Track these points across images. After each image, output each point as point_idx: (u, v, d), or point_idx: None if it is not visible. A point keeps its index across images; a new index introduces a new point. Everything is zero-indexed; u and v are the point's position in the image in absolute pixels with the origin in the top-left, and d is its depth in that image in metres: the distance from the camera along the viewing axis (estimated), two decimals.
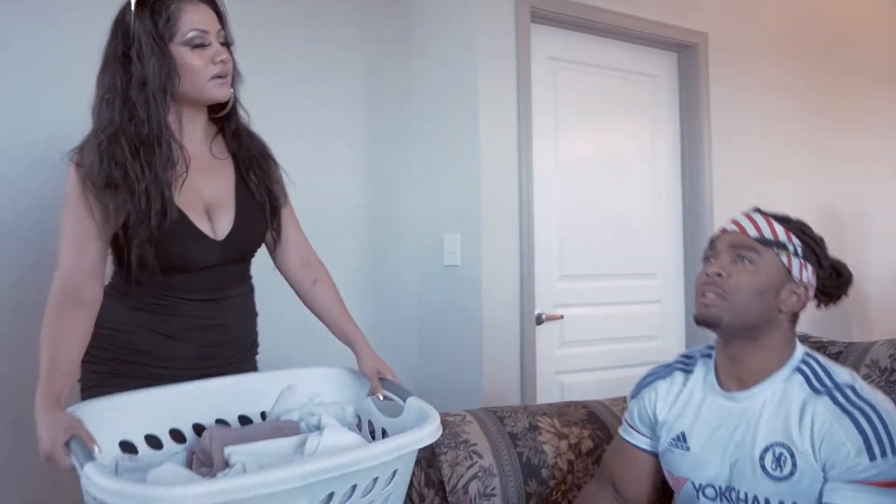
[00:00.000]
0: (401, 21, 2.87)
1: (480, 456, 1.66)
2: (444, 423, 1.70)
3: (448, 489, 1.61)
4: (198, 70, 1.34)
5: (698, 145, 3.09)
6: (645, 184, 3.07)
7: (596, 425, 1.83)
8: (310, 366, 1.47)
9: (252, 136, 1.52)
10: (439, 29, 2.77)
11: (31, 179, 2.15)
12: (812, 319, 1.52)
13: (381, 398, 1.34)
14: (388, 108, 2.84)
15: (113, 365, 1.39)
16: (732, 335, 1.31)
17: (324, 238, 2.61)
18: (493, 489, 1.63)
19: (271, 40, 2.60)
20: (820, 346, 1.79)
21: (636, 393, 1.50)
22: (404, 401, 1.30)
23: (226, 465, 1.17)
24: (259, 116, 2.53)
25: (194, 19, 1.34)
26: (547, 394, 2.71)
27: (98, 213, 1.29)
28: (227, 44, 1.40)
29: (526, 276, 2.62)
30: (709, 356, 1.40)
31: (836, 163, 3.62)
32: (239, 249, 1.46)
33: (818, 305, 1.38)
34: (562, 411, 1.85)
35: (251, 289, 1.56)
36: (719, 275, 1.29)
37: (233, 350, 1.49)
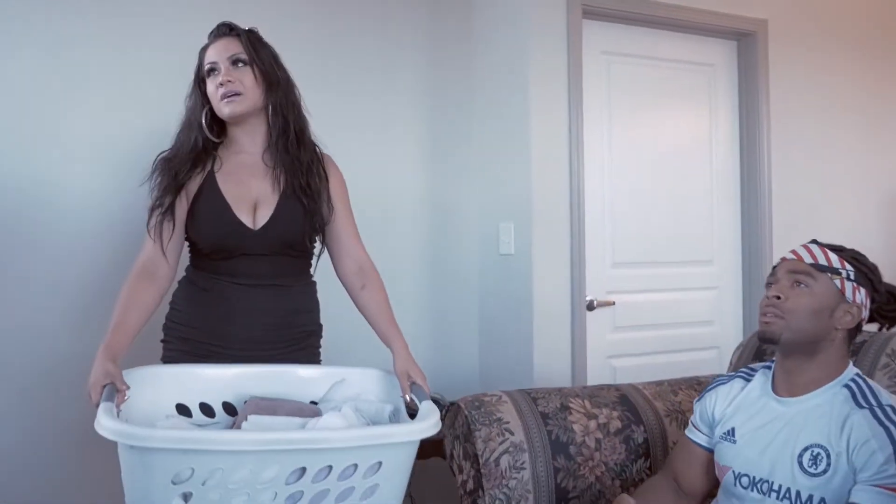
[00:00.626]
0: (463, 21, 3.01)
1: (512, 433, 1.81)
2: (480, 403, 1.88)
3: (481, 462, 1.78)
4: (213, 95, 1.64)
5: (757, 134, 3.11)
6: (702, 172, 3.11)
7: (626, 407, 1.95)
8: (365, 366, 1.61)
9: (303, 148, 1.70)
10: (496, 28, 2.90)
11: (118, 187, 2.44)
12: None
13: (408, 399, 1.47)
14: (450, 104, 2.99)
15: (182, 344, 1.65)
16: (790, 351, 1.45)
17: (389, 228, 2.85)
18: (523, 463, 1.78)
19: (342, 41, 2.80)
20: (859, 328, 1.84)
21: (701, 397, 1.66)
22: (420, 403, 1.39)
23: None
24: (328, 112, 2.77)
25: (209, 54, 1.65)
26: (599, 377, 2.82)
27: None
28: (244, 62, 1.64)
29: (577, 263, 2.74)
30: (769, 367, 1.56)
31: None
32: (277, 241, 1.65)
33: (880, 328, 1.53)
34: (594, 393, 1.98)
35: (308, 283, 1.77)
36: (778, 297, 1.44)
37: (286, 336, 1.69)
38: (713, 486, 1.62)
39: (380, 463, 1.19)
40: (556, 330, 2.73)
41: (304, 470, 1.13)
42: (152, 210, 1.61)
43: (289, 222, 1.65)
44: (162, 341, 1.70)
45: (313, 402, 1.54)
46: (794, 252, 1.49)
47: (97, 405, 1.23)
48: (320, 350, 1.81)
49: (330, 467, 1.14)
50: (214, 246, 1.63)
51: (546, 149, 2.72)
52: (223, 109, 1.62)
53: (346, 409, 1.40)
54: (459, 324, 2.99)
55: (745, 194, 3.17)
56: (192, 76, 1.70)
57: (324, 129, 2.74)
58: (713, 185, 3.13)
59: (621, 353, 2.93)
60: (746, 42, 3.13)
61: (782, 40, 3.15)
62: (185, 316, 1.67)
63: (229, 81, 1.60)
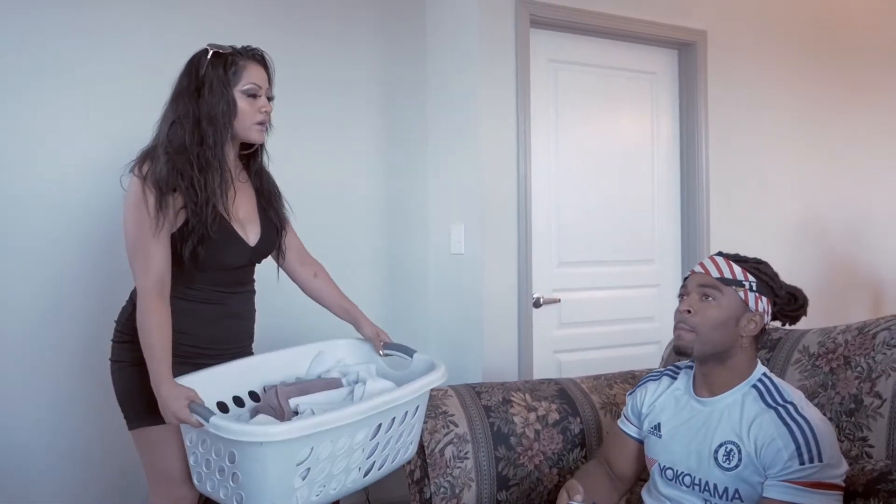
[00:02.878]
0: (416, 30, 3.11)
1: (456, 425, 1.93)
2: (427, 397, 1.99)
3: (427, 452, 1.89)
4: (247, 114, 1.70)
5: (696, 139, 3.27)
6: (644, 176, 3.26)
7: (564, 400, 2.08)
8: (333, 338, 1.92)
9: (269, 175, 1.87)
10: (447, 36, 3.01)
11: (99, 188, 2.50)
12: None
13: (382, 354, 1.86)
14: (404, 110, 3.09)
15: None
16: (703, 360, 1.58)
17: (345, 228, 2.95)
18: (466, 453, 1.90)
19: (299, 45, 2.88)
20: (765, 331, 1.99)
21: (632, 391, 1.79)
22: (411, 356, 1.80)
23: (294, 413, 1.57)
24: (289, 119, 2.85)
25: (253, 75, 1.70)
26: (545, 371, 2.96)
27: (154, 213, 1.58)
28: (270, 98, 1.75)
29: (524, 263, 2.87)
30: (691, 367, 1.69)
31: (836, 158, 3.74)
32: (262, 253, 1.82)
33: (783, 324, 1.66)
34: (535, 387, 2.11)
35: (254, 287, 1.88)
36: (689, 311, 1.56)
37: (245, 333, 1.84)
38: (642, 471, 1.76)
39: (417, 406, 1.60)
40: (505, 326, 2.86)
41: (379, 426, 1.48)
42: (196, 245, 1.62)
43: (272, 237, 1.82)
44: (121, 342, 1.73)
45: (298, 378, 1.77)
46: (701, 265, 1.61)
47: (195, 423, 1.45)
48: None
49: (393, 419, 1.52)
50: (216, 260, 1.68)
51: (495, 153, 2.83)
52: (254, 134, 1.72)
53: (372, 374, 1.80)
54: (413, 321, 3.10)
55: (685, 196, 3.33)
56: (174, 77, 1.69)
57: (287, 130, 2.84)
58: (654, 188, 3.29)
59: (567, 349, 3.07)
60: (687, 51, 3.29)
61: (720, 50, 3.32)
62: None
63: (267, 112, 1.72)
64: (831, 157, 3.73)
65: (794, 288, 1.63)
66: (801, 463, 1.38)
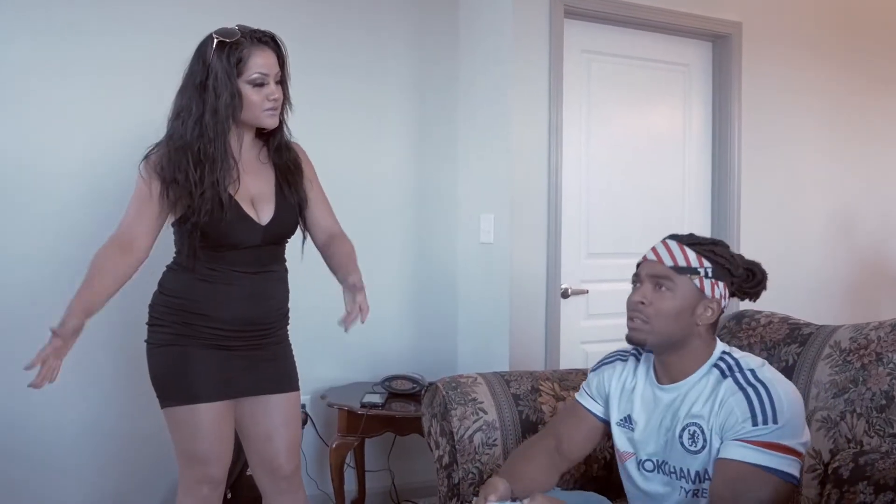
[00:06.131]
0: (449, 19, 3.12)
1: (485, 412, 1.95)
2: (457, 384, 2.02)
3: (457, 439, 1.92)
4: (256, 104, 1.71)
5: (729, 132, 3.25)
6: (675, 167, 3.25)
7: None
8: None
9: (290, 150, 1.87)
10: (481, 26, 3.01)
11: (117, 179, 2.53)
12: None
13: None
14: (436, 100, 3.11)
15: (178, 327, 1.75)
16: (659, 350, 1.55)
17: (375, 216, 2.98)
18: (495, 440, 1.93)
19: (333, 33, 2.91)
20: (796, 326, 2.00)
21: (597, 368, 1.74)
22: None
23: None
24: (320, 106, 2.86)
25: (259, 63, 1.68)
26: (572, 361, 2.97)
27: (157, 197, 1.69)
28: (282, 82, 1.75)
29: (552, 253, 2.88)
30: (651, 352, 1.62)
31: (868, 153, 3.70)
32: (277, 233, 1.82)
33: (741, 300, 1.60)
34: (563, 377, 2.13)
35: (286, 269, 1.91)
36: (642, 303, 1.51)
37: (271, 315, 1.84)
38: (592, 450, 1.73)
39: None
40: (532, 316, 2.87)
41: None
42: (193, 230, 1.69)
43: (288, 217, 1.82)
44: (150, 324, 1.79)
45: None
46: (654, 251, 1.55)
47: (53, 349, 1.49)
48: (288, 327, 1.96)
49: None
50: (225, 240, 1.72)
51: (526, 143, 2.85)
52: (265, 120, 1.73)
53: None
54: (441, 308, 3.13)
55: (716, 190, 3.32)
56: (199, 63, 1.70)
57: (323, 119, 2.86)
58: (685, 181, 3.28)
59: (594, 339, 3.07)
60: (721, 43, 3.27)
61: (755, 43, 3.29)
62: (182, 303, 1.75)
63: (276, 98, 1.71)
64: (864, 153, 3.69)
65: (753, 263, 1.57)
66: (755, 424, 1.37)
